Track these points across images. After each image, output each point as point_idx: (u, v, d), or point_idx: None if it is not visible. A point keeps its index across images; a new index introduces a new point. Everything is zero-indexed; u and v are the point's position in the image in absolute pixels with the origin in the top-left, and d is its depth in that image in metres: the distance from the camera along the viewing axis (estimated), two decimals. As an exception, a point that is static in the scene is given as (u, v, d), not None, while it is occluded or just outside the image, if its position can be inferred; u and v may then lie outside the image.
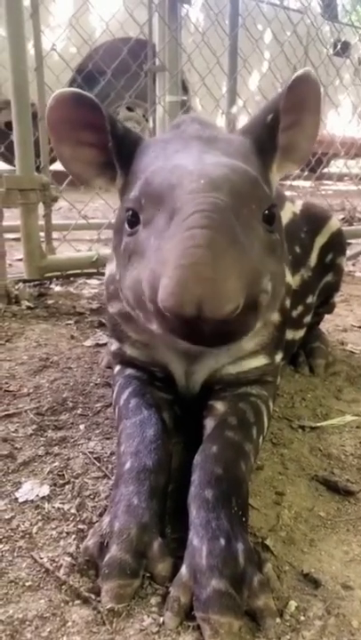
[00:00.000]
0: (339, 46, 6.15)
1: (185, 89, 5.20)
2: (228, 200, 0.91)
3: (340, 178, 8.07)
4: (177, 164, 1.00)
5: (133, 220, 1.06)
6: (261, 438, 1.29)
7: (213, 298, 0.81)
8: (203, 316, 0.81)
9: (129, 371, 1.43)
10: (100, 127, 1.18)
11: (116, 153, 1.21)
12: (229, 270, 0.83)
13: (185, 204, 0.89)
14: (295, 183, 5.71)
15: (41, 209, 2.79)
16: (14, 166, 2.65)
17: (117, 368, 1.47)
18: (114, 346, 1.47)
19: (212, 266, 0.81)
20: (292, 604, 0.93)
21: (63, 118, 1.21)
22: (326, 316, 2.26)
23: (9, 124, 2.68)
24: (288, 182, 4.50)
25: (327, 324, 2.36)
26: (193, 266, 0.82)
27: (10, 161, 4.78)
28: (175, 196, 0.93)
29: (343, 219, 4.90)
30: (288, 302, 1.51)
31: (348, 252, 3.90)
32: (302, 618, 0.90)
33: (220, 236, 0.85)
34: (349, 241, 4.17)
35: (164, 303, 0.83)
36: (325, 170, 7.76)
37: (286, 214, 1.78)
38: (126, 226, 1.08)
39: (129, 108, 6.29)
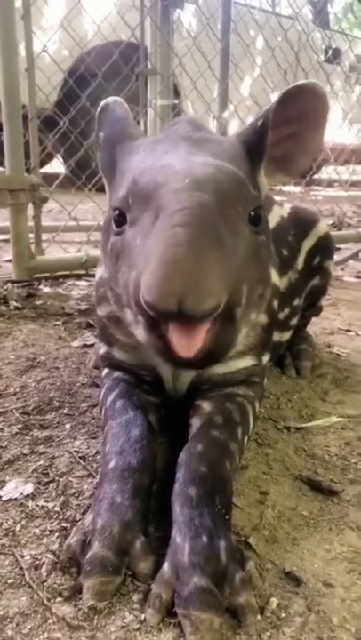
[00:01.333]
0: (330, 53, 6.20)
1: (177, 93, 5.22)
2: (213, 199, 0.92)
3: (330, 184, 8.12)
4: (164, 164, 1.01)
5: (120, 220, 1.07)
6: (247, 438, 1.30)
7: (195, 292, 0.81)
8: (184, 311, 0.80)
9: (117, 373, 1.43)
10: None
11: (101, 157, 1.23)
12: (211, 268, 0.84)
13: (169, 203, 0.90)
14: (285, 188, 5.75)
15: (30, 210, 2.79)
16: (4, 167, 2.65)
17: (105, 371, 1.47)
18: (102, 349, 1.47)
19: (194, 262, 0.82)
20: (274, 601, 0.93)
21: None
22: (314, 319, 2.27)
23: (-1, 126, 2.68)
24: (278, 187, 4.53)
25: (315, 327, 2.38)
26: (175, 262, 0.82)
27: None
28: (160, 195, 0.93)
29: (333, 224, 4.93)
30: (276, 304, 1.52)
31: (337, 257, 3.94)
32: (283, 615, 0.91)
33: (203, 234, 0.86)
34: (339, 246, 4.22)
35: (146, 298, 0.83)
36: (316, 176, 7.81)
37: (274, 217, 1.80)
38: (113, 225, 1.09)
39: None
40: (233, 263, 0.93)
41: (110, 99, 1.30)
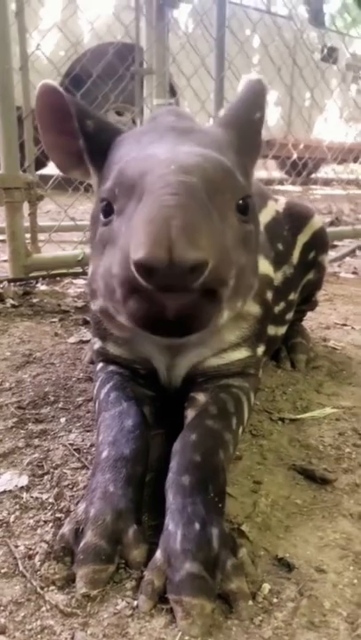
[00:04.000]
0: (325, 52, 6.21)
1: (173, 92, 5.23)
2: (200, 183, 0.92)
3: (328, 183, 8.13)
4: (149, 154, 1.01)
5: (107, 210, 1.07)
6: (241, 429, 1.30)
7: (185, 239, 0.81)
8: (173, 259, 0.80)
9: (111, 367, 1.43)
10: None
11: (87, 149, 1.22)
12: (200, 226, 0.85)
13: (153, 184, 0.90)
14: (283, 187, 5.76)
15: (27, 209, 2.79)
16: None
17: (100, 365, 1.47)
18: (97, 344, 1.48)
19: (182, 219, 0.83)
20: (266, 586, 0.93)
21: (49, 106, 1.23)
22: (311, 314, 2.28)
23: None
24: (276, 187, 4.54)
25: (311, 322, 2.38)
26: (163, 219, 0.83)
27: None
28: (145, 181, 0.93)
29: (330, 222, 4.93)
30: (270, 296, 1.52)
31: (334, 254, 3.94)
32: (275, 600, 0.91)
33: (191, 202, 0.86)
34: (335, 242, 4.22)
35: (135, 257, 0.83)
36: (313, 175, 7.83)
37: (269, 212, 1.80)
38: (101, 216, 1.09)
39: (118, 113, 6.31)
40: (220, 237, 0.93)
41: None
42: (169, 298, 0.88)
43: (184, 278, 0.84)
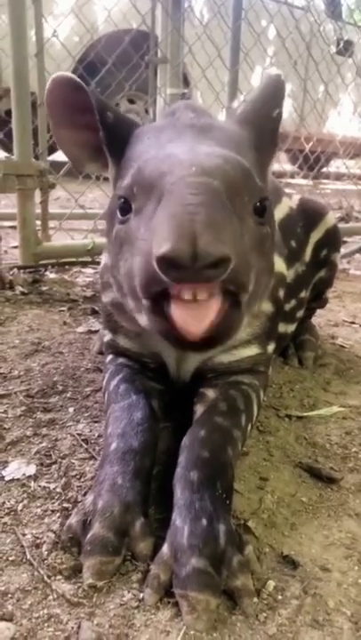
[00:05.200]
0: (341, 45, 6.15)
1: (186, 82, 5.20)
2: (220, 185, 0.91)
3: (339, 177, 8.08)
4: (169, 153, 1.00)
5: (125, 208, 1.07)
6: (250, 426, 1.30)
7: (208, 235, 0.81)
8: (197, 253, 0.80)
9: (121, 359, 1.44)
10: (94, 112, 1.18)
11: (106, 141, 1.20)
12: (222, 225, 0.85)
13: (174, 185, 0.90)
14: (293, 181, 5.73)
15: (38, 196, 2.79)
16: (12, 154, 2.65)
17: (110, 357, 1.48)
18: (107, 336, 1.48)
19: (205, 217, 0.83)
20: (271, 583, 0.94)
21: (62, 100, 1.22)
22: (319, 311, 2.27)
23: (9, 113, 2.68)
24: (287, 180, 4.51)
25: (319, 319, 2.38)
26: (188, 213, 0.83)
27: (9, 149, 4.77)
28: (166, 182, 0.92)
29: (340, 217, 4.91)
30: (282, 293, 1.52)
31: (344, 250, 3.93)
32: (280, 597, 0.92)
33: (213, 204, 0.86)
34: (345, 239, 4.20)
35: (158, 253, 0.83)
36: (324, 169, 7.79)
37: (283, 209, 1.79)
38: (118, 213, 1.09)
39: (130, 100, 6.28)
40: (240, 241, 0.93)
41: None
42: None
43: (208, 273, 0.84)
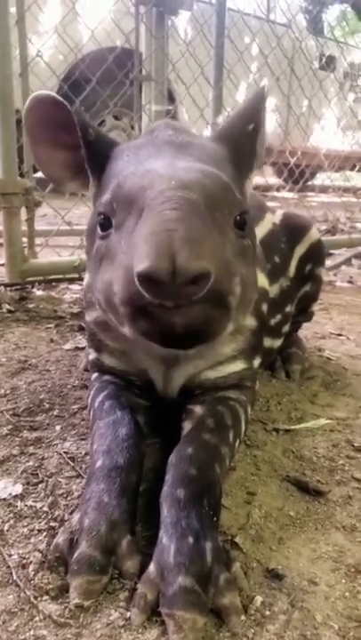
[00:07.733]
0: (324, 60, 6.25)
1: (171, 98, 5.24)
2: (200, 198, 0.92)
3: (324, 190, 8.16)
4: (149, 169, 1.02)
5: (105, 224, 1.08)
6: (238, 442, 1.30)
7: (187, 251, 0.82)
8: (177, 270, 0.81)
9: (106, 376, 1.44)
10: (75, 130, 1.19)
11: (88, 158, 1.20)
12: (201, 239, 0.86)
13: (154, 200, 0.91)
14: (279, 194, 5.78)
15: (24, 214, 2.80)
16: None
17: (95, 374, 1.48)
18: (92, 355, 1.48)
19: (184, 232, 0.84)
20: (258, 599, 0.94)
21: (41, 119, 1.23)
22: (305, 324, 2.28)
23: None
24: (273, 193, 4.55)
25: (306, 332, 2.39)
26: (166, 232, 0.84)
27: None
28: (145, 197, 0.94)
29: (326, 230, 4.95)
30: (265, 308, 1.53)
31: (330, 263, 3.96)
32: (267, 612, 0.92)
33: (192, 216, 0.87)
34: (332, 251, 4.24)
35: (140, 268, 0.83)
36: (310, 182, 7.85)
37: (266, 224, 1.81)
38: (98, 229, 1.10)
39: (115, 117, 6.33)
40: (221, 250, 0.94)
41: None
42: (175, 314, 0.89)
43: (188, 290, 0.85)
